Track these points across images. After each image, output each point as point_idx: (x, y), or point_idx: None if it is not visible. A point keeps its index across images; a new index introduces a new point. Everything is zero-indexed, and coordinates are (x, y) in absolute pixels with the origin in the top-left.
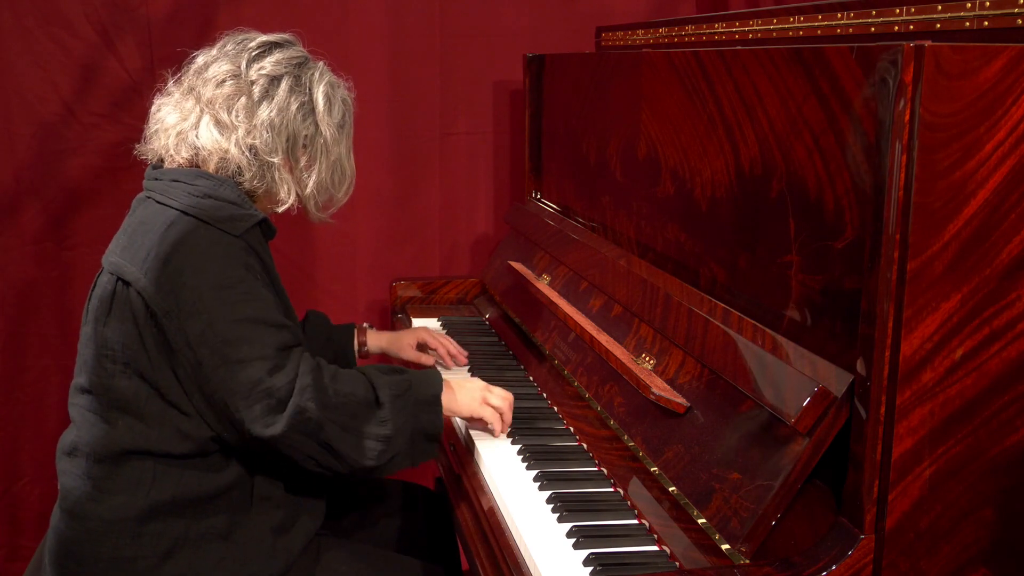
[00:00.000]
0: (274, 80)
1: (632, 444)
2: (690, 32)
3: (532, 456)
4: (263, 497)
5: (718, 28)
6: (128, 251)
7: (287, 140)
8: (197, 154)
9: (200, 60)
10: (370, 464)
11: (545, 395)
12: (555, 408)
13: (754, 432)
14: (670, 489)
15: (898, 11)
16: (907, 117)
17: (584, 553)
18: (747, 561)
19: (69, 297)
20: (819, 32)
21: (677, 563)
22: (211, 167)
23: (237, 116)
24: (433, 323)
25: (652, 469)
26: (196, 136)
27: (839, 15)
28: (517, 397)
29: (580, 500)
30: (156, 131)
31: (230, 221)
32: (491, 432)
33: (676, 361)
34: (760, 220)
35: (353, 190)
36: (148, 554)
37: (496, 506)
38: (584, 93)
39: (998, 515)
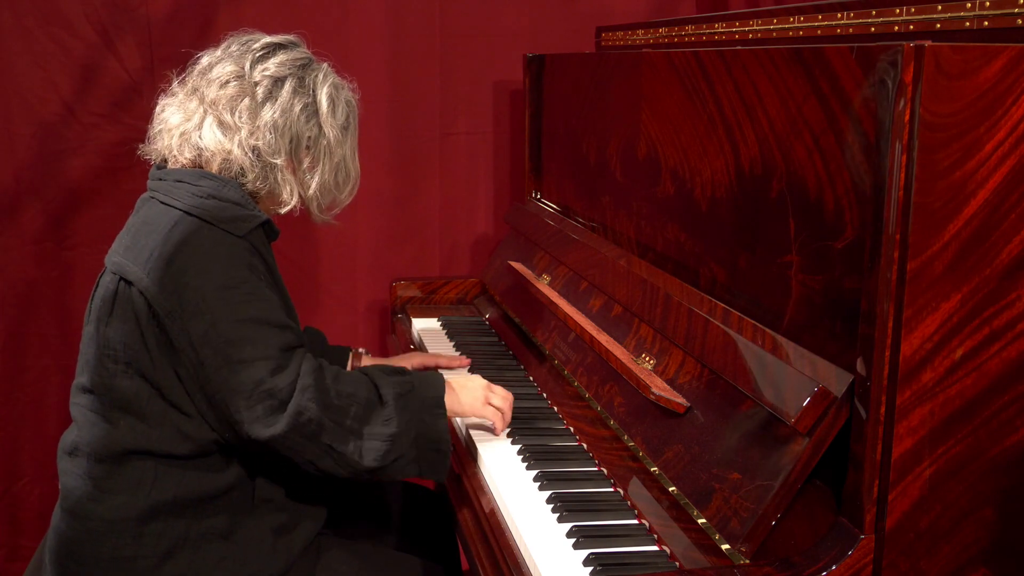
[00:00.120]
0: (278, 81)
1: (632, 444)
2: (690, 32)
3: (532, 456)
4: (264, 499)
5: (718, 28)
6: (131, 251)
7: (290, 141)
8: (200, 155)
9: (204, 61)
10: (372, 466)
11: (545, 395)
12: (555, 408)
13: (754, 432)
14: (670, 489)
15: (898, 11)
16: (907, 117)
17: (584, 553)
18: (747, 561)
19: (69, 297)
20: (819, 32)
21: (677, 563)
22: (214, 168)
23: (240, 117)
24: (433, 323)
25: (652, 469)
26: (199, 137)
27: (839, 15)
28: (517, 397)
29: (580, 500)
30: (160, 131)
31: (234, 222)
32: (492, 431)
33: (676, 361)
34: (760, 220)
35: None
36: (149, 554)
37: (496, 506)
38: (584, 93)
39: (998, 515)
